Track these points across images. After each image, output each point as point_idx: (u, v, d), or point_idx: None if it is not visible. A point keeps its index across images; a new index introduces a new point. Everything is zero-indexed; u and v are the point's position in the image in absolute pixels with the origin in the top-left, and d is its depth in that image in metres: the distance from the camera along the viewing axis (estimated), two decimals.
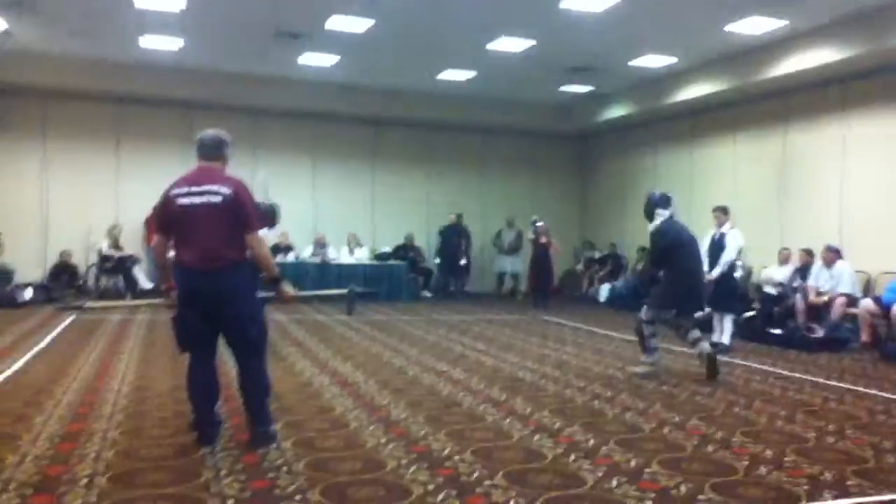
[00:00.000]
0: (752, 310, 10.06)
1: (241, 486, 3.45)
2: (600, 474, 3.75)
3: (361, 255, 14.18)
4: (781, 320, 9.42)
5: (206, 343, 4.14)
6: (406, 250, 14.84)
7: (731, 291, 8.51)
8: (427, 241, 15.42)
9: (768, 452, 4.22)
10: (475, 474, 3.69)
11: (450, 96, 14.46)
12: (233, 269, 4.02)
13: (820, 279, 9.56)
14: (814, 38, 9.84)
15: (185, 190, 4.05)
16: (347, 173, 15.19)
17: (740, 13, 9.18)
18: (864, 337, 8.66)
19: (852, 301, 9.09)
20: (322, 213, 14.79)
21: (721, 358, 7.77)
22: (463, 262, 14.90)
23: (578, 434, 4.53)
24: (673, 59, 11.57)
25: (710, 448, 4.30)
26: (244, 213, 4.04)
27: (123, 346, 7.58)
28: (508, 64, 11.93)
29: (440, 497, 3.36)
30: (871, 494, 3.57)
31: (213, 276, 3.98)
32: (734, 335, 8.56)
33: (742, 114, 12.30)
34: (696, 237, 6.95)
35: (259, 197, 4.82)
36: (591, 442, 4.35)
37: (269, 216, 7.26)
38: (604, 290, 14.08)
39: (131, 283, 12.55)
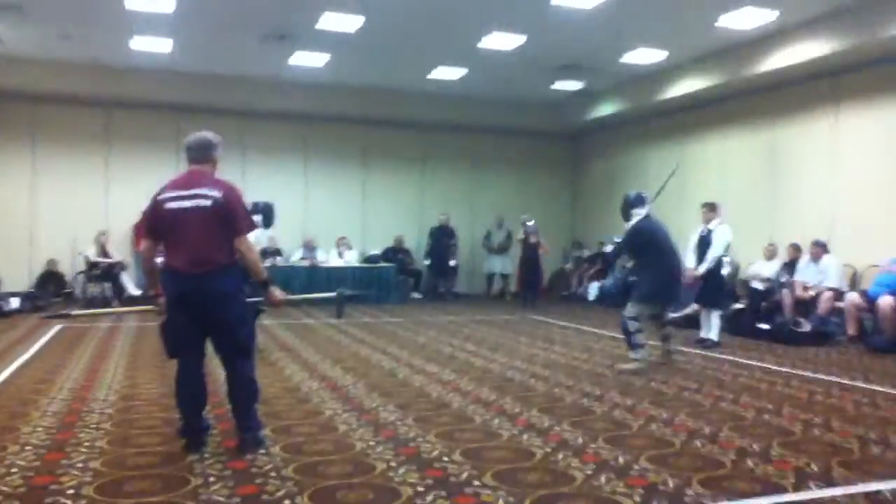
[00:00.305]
0: (741, 304, 10.12)
1: (230, 492, 3.44)
2: (589, 472, 3.76)
3: (351, 258, 14.15)
4: (769, 315, 9.49)
5: (194, 348, 4.13)
6: (395, 252, 14.83)
7: (719, 287, 8.57)
8: (417, 243, 15.41)
9: (755, 446, 4.25)
10: (464, 474, 3.70)
11: (440, 96, 14.45)
12: (223, 273, 4.01)
13: (807, 274, 9.63)
14: (803, 32, 9.86)
15: (174, 194, 4.03)
16: (337, 174, 15.16)
17: (733, 4, 9.16)
18: (851, 330, 8.74)
19: (839, 295, 9.17)
20: (312, 215, 14.74)
21: (709, 354, 7.89)
22: (452, 262, 14.89)
23: (567, 432, 4.55)
24: (663, 56, 11.61)
25: (697, 443, 4.33)
26: (234, 217, 4.03)
27: (111, 354, 7.53)
28: (499, 62, 11.95)
29: (429, 498, 3.36)
30: (856, 485, 3.60)
31: (202, 279, 3.97)
32: (722, 330, 8.62)
33: (731, 109, 12.35)
34: (669, 233, 7.14)
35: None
36: (580, 440, 4.37)
37: (266, 215, 7.29)
38: (593, 289, 14.12)
39: (119, 290, 12.48)
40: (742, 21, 9.73)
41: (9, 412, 5.00)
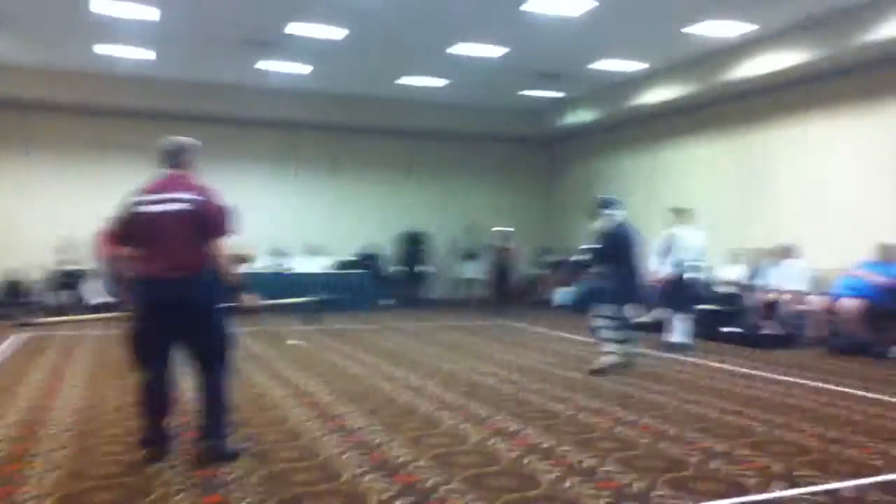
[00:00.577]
0: (707, 307, 10.23)
1: (194, 501, 3.39)
2: (556, 475, 3.78)
3: (323, 264, 14.06)
4: (735, 318, 9.63)
5: (162, 356, 4.07)
6: (367, 258, 14.77)
7: (685, 291, 8.68)
8: (389, 249, 15.37)
9: (719, 447, 4.31)
10: (431, 480, 3.69)
11: (415, 102, 14.44)
12: (198, 277, 3.97)
13: (772, 277, 9.79)
14: (775, 42, 10.05)
15: (150, 198, 3.99)
16: (308, 181, 15.06)
17: (705, 15, 9.33)
18: (814, 332, 8.90)
19: (803, 298, 9.33)
20: (282, 221, 14.61)
21: (674, 356, 7.99)
22: (424, 268, 14.86)
23: (534, 436, 4.56)
24: (639, 65, 11.76)
25: (662, 445, 4.38)
26: (209, 220, 3.98)
27: (73, 363, 7.37)
28: (476, 70, 12.01)
29: None
30: (818, 483, 3.67)
31: (181, 284, 3.92)
32: (692, 334, 8.72)
33: (704, 117, 12.52)
34: (639, 237, 7.31)
35: None
36: (547, 444, 4.39)
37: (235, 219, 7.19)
38: (560, 294, 14.21)
39: (81, 298, 12.26)
40: (716, 30, 9.91)
41: None
